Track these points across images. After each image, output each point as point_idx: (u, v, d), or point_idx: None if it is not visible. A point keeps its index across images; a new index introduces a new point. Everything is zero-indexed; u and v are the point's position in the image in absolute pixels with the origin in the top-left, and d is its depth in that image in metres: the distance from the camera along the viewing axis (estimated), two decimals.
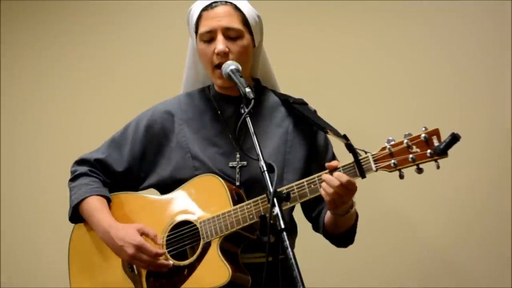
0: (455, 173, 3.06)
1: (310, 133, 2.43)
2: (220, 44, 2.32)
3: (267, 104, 2.47)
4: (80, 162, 2.53)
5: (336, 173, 2.11)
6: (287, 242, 1.90)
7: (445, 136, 1.99)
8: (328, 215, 2.32)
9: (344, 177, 2.10)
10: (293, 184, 2.19)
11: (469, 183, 3.18)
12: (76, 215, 2.45)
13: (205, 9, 2.38)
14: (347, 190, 2.11)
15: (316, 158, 2.42)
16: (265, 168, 2.04)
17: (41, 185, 3.77)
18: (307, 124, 2.42)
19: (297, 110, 2.42)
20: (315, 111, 2.49)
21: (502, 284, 3.08)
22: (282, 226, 1.92)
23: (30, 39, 3.91)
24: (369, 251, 3.22)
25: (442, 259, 3.21)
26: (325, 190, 2.12)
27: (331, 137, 2.31)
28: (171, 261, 2.30)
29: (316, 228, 2.44)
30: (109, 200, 2.45)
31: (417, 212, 3.25)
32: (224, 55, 2.32)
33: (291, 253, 1.88)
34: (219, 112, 2.44)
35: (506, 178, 3.12)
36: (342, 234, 2.34)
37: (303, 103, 2.48)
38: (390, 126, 3.23)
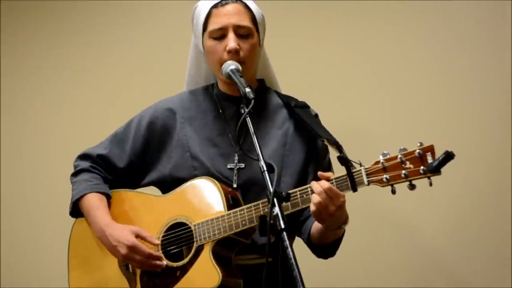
0: (454, 173, 3.02)
1: (310, 137, 2.41)
2: (232, 41, 2.31)
3: (269, 105, 2.46)
4: (83, 157, 2.54)
5: (324, 184, 2.09)
6: (287, 242, 1.89)
7: (439, 152, 1.98)
8: (317, 224, 2.30)
9: (326, 184, 2.08)
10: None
11: (469, 183, 3.16)
12: (77, 210, 2.47)
13: (215, 6, 2.36)
14: (329, 199, 2.07)
15: (313, 162, 2.42)
16: (265, 168, 2.03)
17: (42, 185, 3.77)
18: (307, 128, 2.41)
19: (297, 114, 2.41)
20: (316, 115, 2.48)
21: (502, 284, 3.08)
22: (282, 226, 1.91)
23: (30, 39, 3.90)
24: (370, 251, 3.23)
25: (442, 259, 3.21)
26: (312, 199, 2.10)
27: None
28: (165, 262, 2.31)
29: (299, 233, 2.43)
30: (109, 197, 2.46)
31: (416, 212, 3.23)
32: (235, 53, 2.31)
33: (291, 253, 1.87)
34: (220, 111, 2.44)
35: (506, 178, 3.11)
36: (326, 246, 2.34)
37: (304, 106, 2.47)
38: (390, 126, 3.24)
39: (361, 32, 3.37)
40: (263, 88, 2.49)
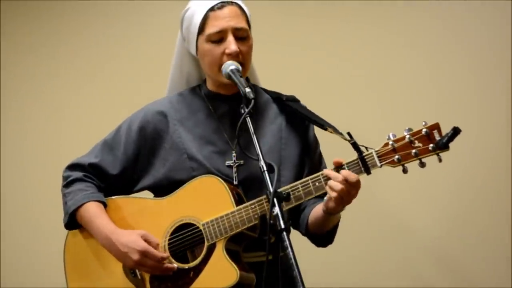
0: (454, 173, 3.08)
1: (303, 128, 2.44)
2: (233, 44, 2.30)
3: (259, 101, 2.44)
4: (73, 167, 2.48)
5: (344, 172, 2.12)
6: (288, 242, 1.90)
7: (445, 130, 2.03)
8: (314, 214, 2.32)
9: (353, 176, 2.11)
10: (298, 182, 2.19)
11: (469, 183, 3.20)
12: (73, 222, 2.42)
13: (212, 9, 2.35)
14: (350, 185, 2.12)
15: (308, 152, 2.44)
16: (265, 168, 2.04)
17: (42, 185, 3.74)
18: (299, 120, 2.43)
19: (291, 107, 2.42)
20: (305, 107, 2.49)
21: (502, 284, 3.09)
22: (282, 226, 1.92)
23: (26, 39, 3.92)
24: (370, 251, 3.24)
25: (442, 259, 3.22)
26: (332, 187, 2.12)
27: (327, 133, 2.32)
28: (175, 264, 2.29)
29: (295, 225, 2.44)
30: (105, 206, 2.41)
31: (416, 212, 3.25)
32: (236, 56, 2.31)
33: (291, 253, 1.88)
34: (212, 110, 2.43)
35: (506, 178, 3.14)
36: (325, 234, 2.36)
37: (295, 100, 2.48)
38: (389, 126, 3.22)
39: (358, 29, 3.42)
40: (250, 85, 2.47)
